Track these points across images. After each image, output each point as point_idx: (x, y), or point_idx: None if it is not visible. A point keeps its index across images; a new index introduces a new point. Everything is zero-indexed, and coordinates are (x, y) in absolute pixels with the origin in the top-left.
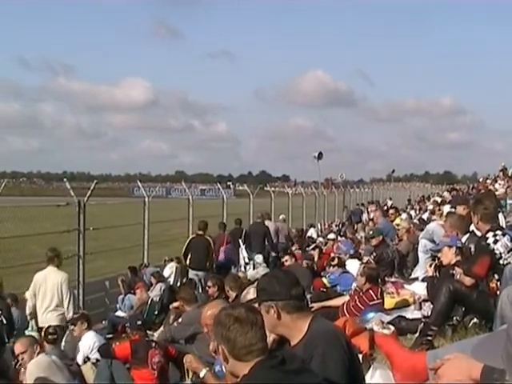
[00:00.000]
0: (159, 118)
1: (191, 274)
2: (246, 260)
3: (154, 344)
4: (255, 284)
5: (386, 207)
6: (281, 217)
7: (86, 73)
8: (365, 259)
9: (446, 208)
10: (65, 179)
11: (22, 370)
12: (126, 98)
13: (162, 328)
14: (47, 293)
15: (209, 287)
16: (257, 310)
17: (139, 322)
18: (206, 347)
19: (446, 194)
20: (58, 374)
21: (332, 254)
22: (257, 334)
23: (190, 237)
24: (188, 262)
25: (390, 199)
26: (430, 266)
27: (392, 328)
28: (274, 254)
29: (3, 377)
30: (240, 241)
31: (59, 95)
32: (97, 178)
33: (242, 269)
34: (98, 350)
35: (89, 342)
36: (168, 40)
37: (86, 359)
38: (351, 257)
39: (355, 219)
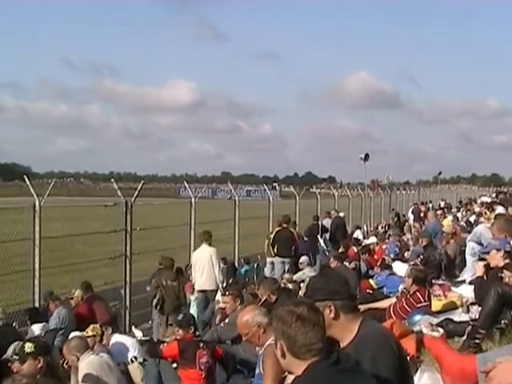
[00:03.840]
0: (205, 119)
1: (278, 261)
2: (326, 252)
3: (201, 344)
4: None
5: (436, 208)
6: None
7: (132, 74)
8: (412, 261)
9: (500, 209)
10: (112, 180)
11: (72, 369)
12: (173, 99)
13: (207, 328)
14: (201, 263)
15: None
16: (319, 310)
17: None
18: (252, 348)
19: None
20: (110, 374)
21: (378, 256)
22: (317, 334)
23: (276, 229)
24: (276, 250)
25: (442, 200)
26: (482, 264)
27: (441, 330)
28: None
29: (53, 376)
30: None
31: (106, 96)
32: (143, 179)
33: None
34: (146, 350)
35: (125, 343)
36: (213, 41)
37: (133, 359)
38: (397, 259)
39: (415, 217)
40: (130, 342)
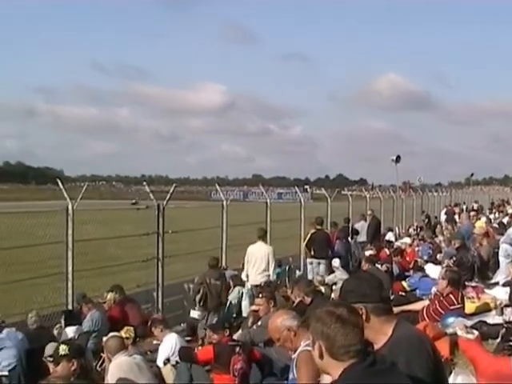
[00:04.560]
0: (235, 122)
1: (314, 262)
2: (357, 253)
3: (237, 349)
4: None
5: (469, 210)
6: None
7: (162, 77)
8: (445, 263)
9: None
10: (144, 183)
11: (106, 369)
12: (203, 101)
13: (240, 331)
14: (257, 260)
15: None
16: (358, 312)
17: (221, 325)
18: (284, 351)
19: None
20: (140, 376)
21: (410, 258)
22: (356, 336)
23: (311, 231)
24: (312, 252)
25: (475, 202)
26: None
27: (476, 333)
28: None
29: (87, 378)
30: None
31: (136, 100)
32: (175, 182)
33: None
34: (179, 353)
35: (170, 345)
36: (243, 43)
37: (166, 361)
38: (430, 261)
39: (449, 218)
40: (173, 342)
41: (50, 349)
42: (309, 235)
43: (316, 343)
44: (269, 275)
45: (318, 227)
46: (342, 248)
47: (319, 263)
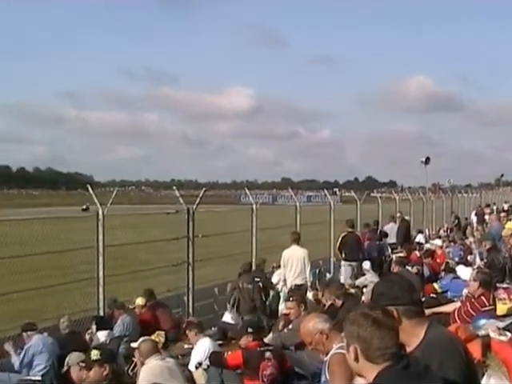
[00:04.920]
0: (264, 126)
1: (345, 264)
2: (390, 254)
3: (267, 354)
4: None
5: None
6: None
7: (189, 82)
8: (475, 265)
9: None
10: (174, 187)
11: (138, 372)
12: (230, 105)
13: (270, 334)
14: (294, 263)
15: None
16: (393, 315)
17: (250, 330)
18: (316, 354)
19: None
20: (171, 380)
21: (441, 260)
22: (392, 339)
23: (343, 234)
24: (343, 255)
25: (506, 202)
26: None
27: (509, 334)
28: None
29: (119, 382)
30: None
31: (164, 104)
32: (204, 186)
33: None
34: (209, 358)
35: (203, 349)
36: (269, 46)
37: (198, 365)
38: (461, 262)
39: (479, 220)
40: (206, 346)
41: (73, 357)
42: (340, 238)
43: (351, 346)
44: (305, 278)
45: (349, 230)
46: (373, 249)
47: (350, 265)
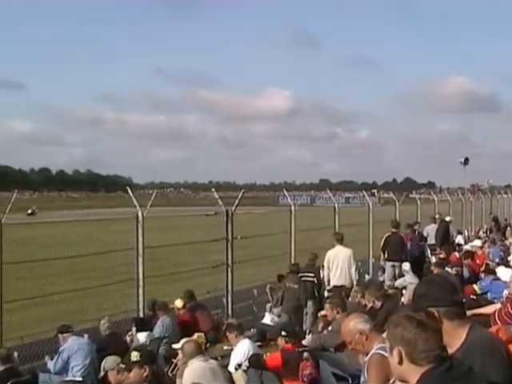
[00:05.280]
0: (301, 127)
1: (388, 265)
2: (429, 255)
3: (305, 355)
4: None
5: None
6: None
7: (228, 84)
8: None
9: None
10: (213, 189)
11: (179, 372)
12: (268, 107)
13: (310, 336)
14: (339, 263)
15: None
16: (436, 317)
17: (284, 333)
18: (355, 355)
19: None
20: (213, 381)
21: (480, 261)
22: (436, 341)
23: (386, 234)
24: (386, 255)
25: None
26: None
27: None
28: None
29: (159, 382)
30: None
31: (202, 106)
32: (242, 187)
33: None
34: (248, 360)
35: (243, 350)
36: (306, 48)
37: (238, 366)
38: (501, 263)
39: None
40: (246, 347)
41: (109, 362)
42: (384, 238)
43: (395, 349)
44: (351, 277)
45: (394, 230)
46: (415, 250)
47: (393, 266)
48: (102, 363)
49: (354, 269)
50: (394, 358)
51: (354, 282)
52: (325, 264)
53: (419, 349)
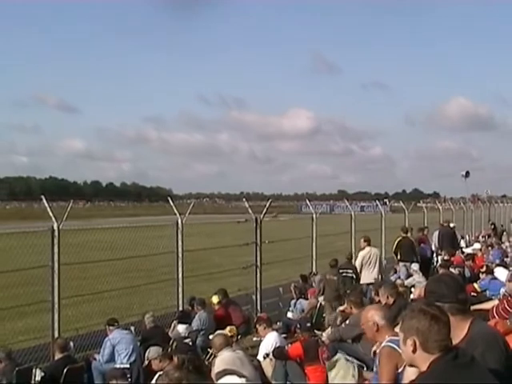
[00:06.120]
0: (322, 144)
1: (401, 265)
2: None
3: (320, 340)
4: None
5: None
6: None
7: (256, 105)
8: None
9: None
10: (243, 199)
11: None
12: (293, 126)
13: (329, 329)
14: (371, 262)
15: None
16: (445, 312)
17: (308, 324)
18: (370, 346)
19: None
20: (241, 368)
21: (479, 262)
22: (446, 332)
23: (399, 238)
24: (399, 256)
25: None
26: None
27: None
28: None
29: (199, 372)
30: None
31: (234, 126)
32: (269, 197)
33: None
34: (273, 353)
35: (271, 341)
36: (326, 73)
37: (266, 355)
38: (499, 265)
39: None
40: (273, 339)
41: (152, 352)
42: (396, 242)
43: (409, 339)
44: (379, 275)
45: (404, 235)
46: (426, 251)
47: (405, 266)
48: (146, 353)
49: (383, 266)
50: (408, 347)
51: (383, 278)
52: (357, 263)
53: (432, 339)
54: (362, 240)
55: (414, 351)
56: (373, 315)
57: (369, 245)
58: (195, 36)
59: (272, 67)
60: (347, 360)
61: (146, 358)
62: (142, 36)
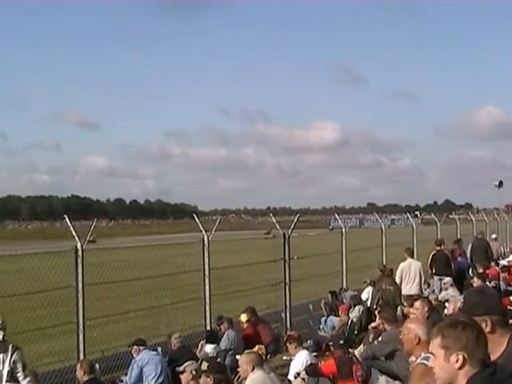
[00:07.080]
0: (350, 156)
1: (436, 279)
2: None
3: (355, 358)
4: None
5: None
6: (493, 236)
7: (280, 118)
8: None
9: None
10: (270, 214)
11: (242, 380)
12: (319, 139)
13: (361, 346)
14: (411, 274)
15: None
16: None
17: (341, 341)
18: (404, 363)
19: None
20: None
21: None
22: (487, 347)
23: (433, 252)
24: (434, 270)
25: None
26: None
27: None
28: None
29: None
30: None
31: (259, 140)
32: (297, 212)
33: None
34: (305, 370)
35: (301, 360)
36: (351, 84)
37: (296, 375)
38: None
39: None
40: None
41: (190, 365)
42: (431, 255)
43: (454, 354)
44: (421, 287)
45: (438, 248)
46: (462, 264)
47: (440, 279)
48: (184, 364)
49: (423, 279)
50: (452, 364)
51: (425, 292)
52: (397, 275)
53: (479, 354)
54: (405, 250)
55: (462, 367)
56: (416, 328)
57: (411, 257)
58: (215, 47)
59: (295, 79)
60: (388, 382)
61: (183, 368)
62: (158, 49)
